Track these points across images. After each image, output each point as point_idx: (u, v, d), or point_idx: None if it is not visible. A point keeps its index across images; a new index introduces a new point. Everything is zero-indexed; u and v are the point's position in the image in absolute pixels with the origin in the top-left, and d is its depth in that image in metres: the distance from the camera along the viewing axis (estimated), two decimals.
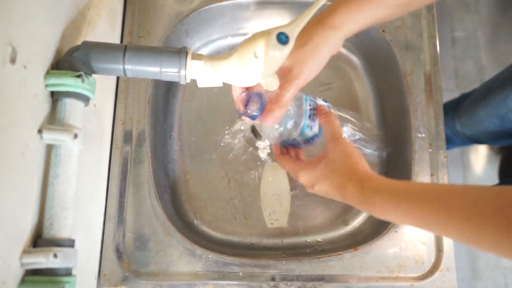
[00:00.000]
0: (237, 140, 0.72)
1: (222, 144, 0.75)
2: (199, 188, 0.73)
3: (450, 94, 1.62)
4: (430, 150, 0.67)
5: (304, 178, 0.54)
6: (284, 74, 0.49)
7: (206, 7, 0.71)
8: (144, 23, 0.69)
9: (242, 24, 0.77)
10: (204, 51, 0.79)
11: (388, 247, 0.63)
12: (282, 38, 0.40)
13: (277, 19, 0.77)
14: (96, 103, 0.56)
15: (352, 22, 0.47)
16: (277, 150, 0.61)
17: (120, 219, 0.62)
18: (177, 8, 0.70)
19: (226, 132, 0.73)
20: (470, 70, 1.65)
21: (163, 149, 0.73)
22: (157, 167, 0.69)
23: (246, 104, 0.52)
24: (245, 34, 0.79)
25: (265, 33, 0.41)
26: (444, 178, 0.66)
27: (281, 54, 0.41)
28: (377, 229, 0.69)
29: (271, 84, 0.48)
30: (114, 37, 0.65)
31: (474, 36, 1.68)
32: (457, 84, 1.63)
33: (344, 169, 0.50)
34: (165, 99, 0.74)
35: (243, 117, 0.54)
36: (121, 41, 0.68)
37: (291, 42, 0.41)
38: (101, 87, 0.59)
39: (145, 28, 0.69)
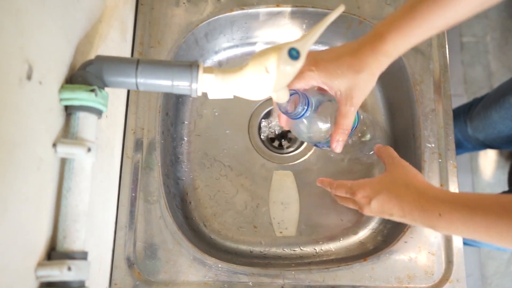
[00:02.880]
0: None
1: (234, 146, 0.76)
2: (209, 196, 0.74)
3: (458, 99, 1.61)
4: (440, 160, 0.67)
5: (361, 193, 0.54)
6: (344, 101, 0.50)
7: (216, 17, 0.71)
8: (155, 33, 0.70)
9: (252, 33, 0.78)
10: (214, 60, 0.80)
11: (398, 258, 0.63)
12: (293, 54, 0.40)
13: (287, 28, 0.77)
14: (108, 114, 0.57)
15: (403, 47, 0.48)
16: (325, 182, 0.63)
17: (131, 228, 0.63)
18: (187, 18, 0.71)
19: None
20: (479, 75, 1.64)
21: (173, 158, 0.73)
22: (167, 175, 0.69)
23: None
24: (255, 43, 0.79)
25: (276, 49, 0.41)
26: (453, 189, 0.66)
27: (292, 69, 0.41)
28: (386, 239, 0.69)
29: (281, 97, 0.48)
30: (125, 48, 0.65)
31: (483, 41, 1.67)
32: (466, 89, 1.63)
33: (403, 179, 0.51)
34: (175, 107, 0.75)
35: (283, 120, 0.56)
36: (132, 51, 0.69)
37: (302, 58, 0.41)
38: (112, 97, 0.59)
39: (156, 39, 0.70)
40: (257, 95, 0.46)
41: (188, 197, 0.74)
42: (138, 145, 0.66)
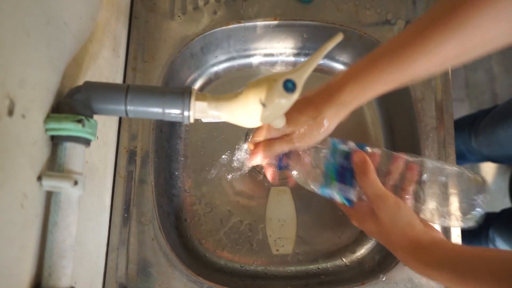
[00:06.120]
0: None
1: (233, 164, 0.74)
2: (204, 213, 0.72)
3: (460, 104, 1.59)
4: None
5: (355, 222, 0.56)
6: (287, 135, 0.53)
7: (212, 31, 0.69)
8: (149, 48, 0.68)
9: (249, 45, 0.76)
10: (210, 72, 0.78)
11: (398, 282, 0.62)
12: (289, 86, 0.39)
13: (285, 41, 0.75)
14: (99, 134, 0.55)
15: (361, 98, 0.49)
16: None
17: (123, 250, 0.61)
18: (182, 32, 0.69)
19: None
20: (481, 79, 1.62)
21: (168, 175, 0.72)
22: (161, 194, 0.68)
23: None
24: (252, 55, 0.77)
25: (271, 80, 0.39)
26: (454, 210, 0.64)
27: (288, 101, 0.40)
28: (384, 259, 0.68)
29: (277, 123, 0.47)
30: (118, 64, 0.64)
31: None
32: (468, 94, 1.60)
33: (396, 235, 0.50)
34: (170, 123, 0.73)
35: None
36: (125, 67, 0.67)
37: (298, 90, 0.39)
38: (104, 117, 0.58)
39: (150, 53, 0.68)
40: (250, 123, 0.44)
41: (183, 214, 0.72)
42: (131, 164, 0.64)
